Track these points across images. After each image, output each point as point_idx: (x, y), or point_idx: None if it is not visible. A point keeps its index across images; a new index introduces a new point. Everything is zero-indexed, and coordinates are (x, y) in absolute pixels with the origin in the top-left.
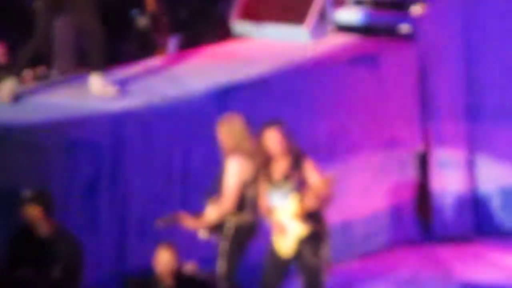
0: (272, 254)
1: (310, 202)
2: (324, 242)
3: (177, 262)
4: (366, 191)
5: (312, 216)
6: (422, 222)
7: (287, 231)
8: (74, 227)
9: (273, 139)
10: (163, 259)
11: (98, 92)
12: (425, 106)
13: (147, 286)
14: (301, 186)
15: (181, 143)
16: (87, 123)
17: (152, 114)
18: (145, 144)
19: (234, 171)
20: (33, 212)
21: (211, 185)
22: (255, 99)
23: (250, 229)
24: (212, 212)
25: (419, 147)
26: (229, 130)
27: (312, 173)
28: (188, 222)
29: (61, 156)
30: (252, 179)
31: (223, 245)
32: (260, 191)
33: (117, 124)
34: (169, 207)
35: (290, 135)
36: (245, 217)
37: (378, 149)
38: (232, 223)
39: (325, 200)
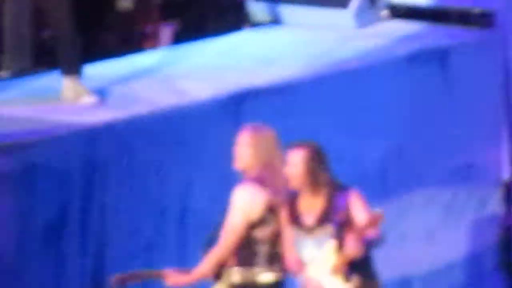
0: None
1: (352, 247)
2: None
3: None
4: (431, 237)
5: (358, 268)
6: (509, 278)
7: None
8: (32, 286)
9: (295, 165)
10: None
11: (69, 100)
12: None
13: None
14: (343, 228)
15: (179, 170)
16: (51, 142)
17: (138, 131)
18: (129, 171)
19: (242, 202)
20: None
21: (216, 228)
22: (278, 111)
23: None
24: (205, 262)
25: (505, 176)
26: (258, 144)
27: (360, 211)
28: (172, 278)
29: (14, 186)
30: (265, 217)
31: None
32: (285, 238)
33: (92, 144)
34: (162, 258)
35: (322, 161)
36: (258, 274)
37: (447, 180)
38: (235, 281)
39: (371, 244)
